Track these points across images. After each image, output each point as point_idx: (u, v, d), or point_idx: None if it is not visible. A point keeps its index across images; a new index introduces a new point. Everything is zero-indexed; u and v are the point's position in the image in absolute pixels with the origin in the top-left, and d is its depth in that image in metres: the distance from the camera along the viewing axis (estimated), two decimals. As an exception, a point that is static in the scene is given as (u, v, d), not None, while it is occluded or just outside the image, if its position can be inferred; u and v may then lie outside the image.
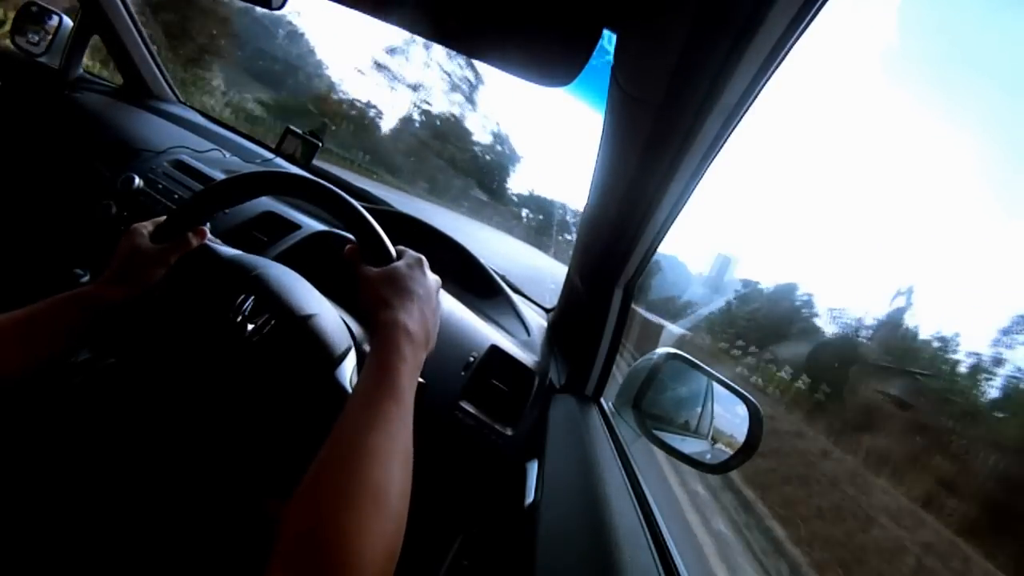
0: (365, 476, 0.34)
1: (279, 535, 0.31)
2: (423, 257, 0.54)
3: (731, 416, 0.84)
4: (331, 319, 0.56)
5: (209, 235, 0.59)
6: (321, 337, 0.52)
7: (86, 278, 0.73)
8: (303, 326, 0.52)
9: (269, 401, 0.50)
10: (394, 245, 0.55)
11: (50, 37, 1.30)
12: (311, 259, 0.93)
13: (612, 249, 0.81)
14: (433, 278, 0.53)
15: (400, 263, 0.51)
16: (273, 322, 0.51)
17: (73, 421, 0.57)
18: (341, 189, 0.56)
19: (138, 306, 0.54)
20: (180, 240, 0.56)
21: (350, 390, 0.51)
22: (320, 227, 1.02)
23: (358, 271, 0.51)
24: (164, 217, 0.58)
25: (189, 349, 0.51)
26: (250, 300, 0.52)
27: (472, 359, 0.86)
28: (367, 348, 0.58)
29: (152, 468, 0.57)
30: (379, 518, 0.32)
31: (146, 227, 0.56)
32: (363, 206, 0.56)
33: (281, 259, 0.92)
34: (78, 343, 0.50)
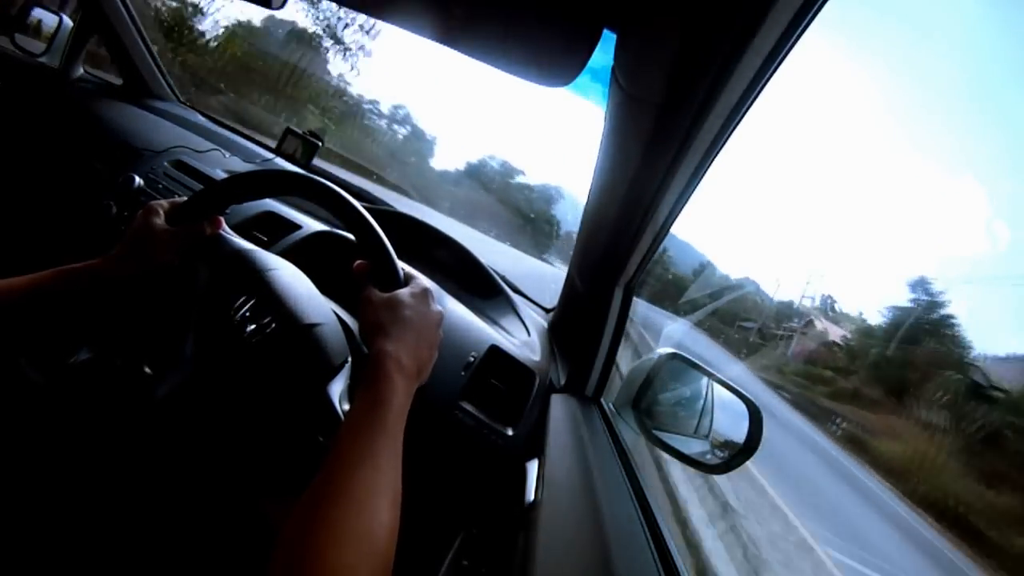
0: (354, 514, 0.34)
1: (269, 568, 0.31)
2: (430, 288, 0.54)
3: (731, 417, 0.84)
4: (332, 330, 0.55)
5: (224, 226, 0.58)
6: (318, 349, 0.52)
7: None
8: (302, 335, 0.51)
9: (259, 403, 0.50)
10: (404, 265, 0.55)
11: (50, 37, 1.31)
12: (311, 259, 0.93)
13: (612, 249, 0.81)
14: (436, 310, 0.53)
15: (405, 291, 0.51)
16: (273, 326, 0.51)
17: (71, 420, 0.57)
18: (340, 189, 0.56)
19: (141, 290, 0.54)
20: (194, 226, 0.55)
21: (338, 406, 0.50)
22: (321, 227, 1.02)
23: (362, 291, 0.51)
24: (184, 198, 0.58)
25: (187, 341, 0.51)
26: (251, 305, 0.52)
27: (472, 359, 0.86)
28: (367, 350, 0.58)
29: (146, 464, 0.57)
30: (368, 556, 0.33)
31: (163, 206, 0.56)
32: (365, 206, 0.56)
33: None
34: (80, 314, 0.50)
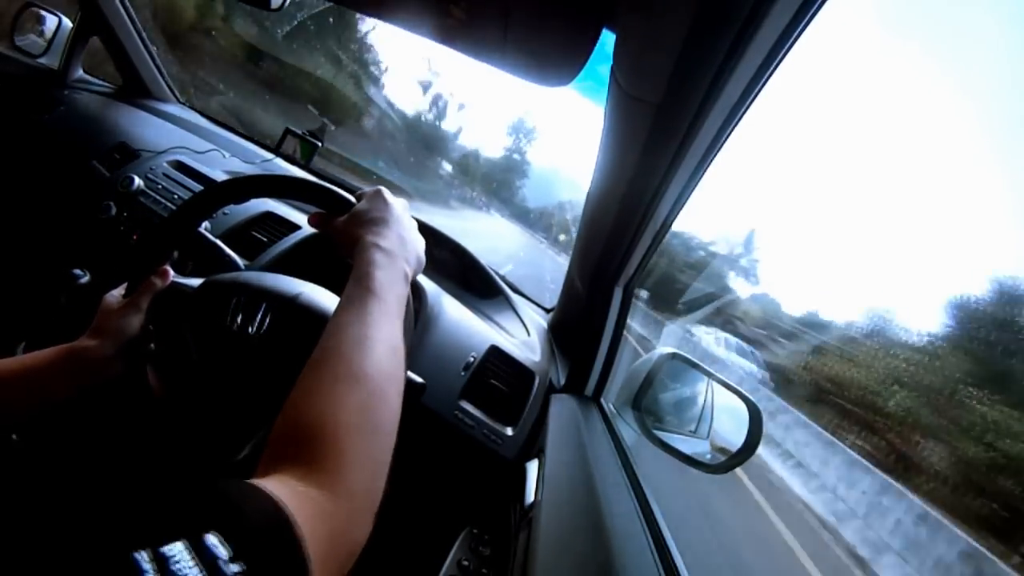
0: (341, 358, 0.35)
1: (274, 427, 0.32)
2: (381, 187, 0.55)
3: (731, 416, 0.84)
4: (320, 291, 0.57)
5: (172, 273, 0.58)
6: (317, 306, 0.54)
7: (85, 279, 0.73)
8: (296, 303, 0.54)
9: (291, 384, 0.51)
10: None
11: (49, 38, 1.30)
12: (311, 259, 0.93)
13: (612, 249, 0.81)
14: (398, 201, 0.54)
15: (361, 203, 0.52)
16: (270, 313, 0.53)
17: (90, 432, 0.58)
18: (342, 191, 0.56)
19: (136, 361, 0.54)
20: (145, 285, 0.56)
21: None
22: None
23: (330, 229, 0.52)
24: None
25: (203, 375, 0.52)
26: (242, 304, 0.53)
27: (472, 359, 0.86)
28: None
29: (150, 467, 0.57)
30: (357, 393, 0.34)
31: (117, 290, 0.57)
32: None
33: (281, 259, 0.92)
34: (76, 392, 0.50)
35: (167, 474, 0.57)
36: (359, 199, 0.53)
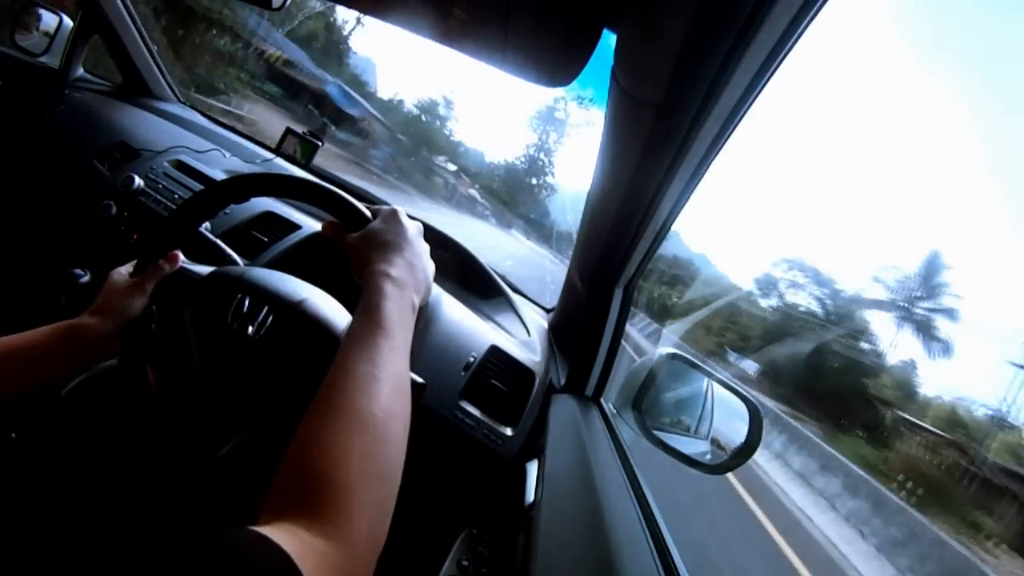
0: (348, 400, 0.35)
1: (282, 464, 0.32)
2: (398, 208, 0.54)
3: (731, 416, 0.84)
4: (324, 299, 0.57)
5: (182, 258, 0.58)
6: (320, 315, 0.53)
7: (86, 278, 0.73)
8: (299, 309, 0.53)
9: (283, 390, 0.50)
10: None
11: (50, 37, 1.30)
12: (311, 259, 0.93)
13: (612, 249, 0.81)
14: (413, 224, 0.54)
15: (376, 222, 0.52)
16: (272, 316, 0.52)
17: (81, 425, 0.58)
18: (342, 190, 0.56)
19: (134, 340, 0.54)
20: (153, 269, 0.56)
21: None
22: (320, 227, 1.02)
23: (342, 244, 0.52)
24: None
25: (198, 365, 0.52)
26: (245, 303, 0.52)
27: (472, 359, 0.86)
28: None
29: (160, 471, 0.57)
30: (363, 438, 0.34)
31: (125, 268, 0.58)
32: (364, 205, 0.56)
33: (281, 259, 0.92)
34: (75, 369, 0.50)
35: (158, 471, 0.56)
36: (374, 215, 0.53)
